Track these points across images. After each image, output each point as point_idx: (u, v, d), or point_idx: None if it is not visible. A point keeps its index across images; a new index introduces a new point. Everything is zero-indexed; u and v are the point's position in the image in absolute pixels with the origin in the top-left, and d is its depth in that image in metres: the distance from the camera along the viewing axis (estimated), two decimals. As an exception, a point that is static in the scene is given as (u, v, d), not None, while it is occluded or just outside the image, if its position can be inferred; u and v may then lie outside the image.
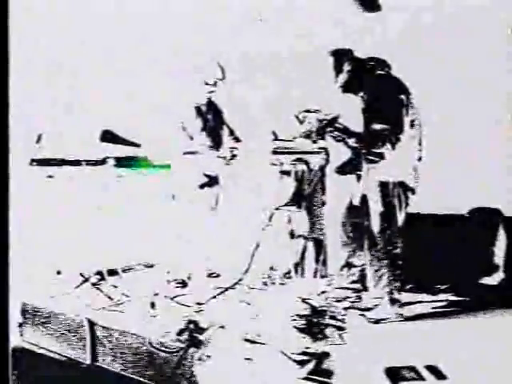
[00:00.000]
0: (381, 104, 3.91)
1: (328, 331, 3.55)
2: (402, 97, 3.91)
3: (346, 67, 4.04)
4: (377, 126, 3.87)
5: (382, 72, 4.02)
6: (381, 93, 3.95)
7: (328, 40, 4.14)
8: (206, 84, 4.66)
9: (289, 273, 4.29)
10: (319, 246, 4.35)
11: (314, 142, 4.27)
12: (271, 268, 4.33)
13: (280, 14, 4.26)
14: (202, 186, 4.65)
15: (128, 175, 4.35)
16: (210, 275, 4.55)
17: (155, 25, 4.33)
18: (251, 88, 4.74)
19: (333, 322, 3.68)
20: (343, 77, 4.05)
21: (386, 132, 3.85)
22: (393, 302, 3.93)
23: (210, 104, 4.76)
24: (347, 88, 4.07)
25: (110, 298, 4.13)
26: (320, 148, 4.26)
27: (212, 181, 4.64)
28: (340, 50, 4.10)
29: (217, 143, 4.61)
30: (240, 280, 4.22)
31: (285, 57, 4.37)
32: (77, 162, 4.15)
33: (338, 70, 4.06)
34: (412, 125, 3.93)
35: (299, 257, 4.37)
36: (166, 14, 4.27)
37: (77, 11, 4.25)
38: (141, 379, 3.44)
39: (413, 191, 3.95)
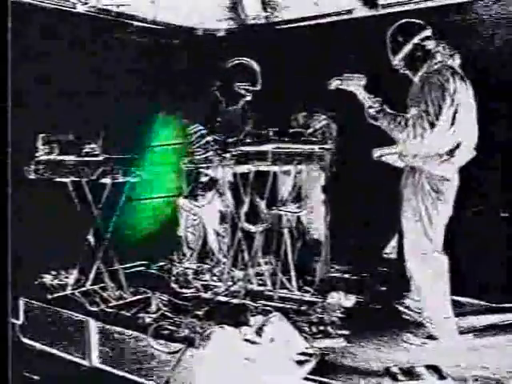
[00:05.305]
0: (426, 90, 3.48)
1: (328, 331, 3.56)
2: (450, 88, 3.44)
3: (414, 41, 3.61)
4: (413, 111, 3.57)
5: (444, 58, 3.57)
6: (432, 79, 3.49)
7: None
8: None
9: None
10: (319, 245, 4.37)
11: (315, 143, 4.27)
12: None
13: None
14: (202, 188, 4.67)
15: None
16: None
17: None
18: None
19: (332, 321, 3.69)
20: (405, 51, 3.62)
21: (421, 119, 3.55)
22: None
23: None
24: (407, 65, 3.67)
25: (110, 297, 4.14)
26: (321, 148, 4.26)
27: (213, 183, 4.66)
28: (411, 22, 3.66)
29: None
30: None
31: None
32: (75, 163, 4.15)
33: (402, 43, 3.63)
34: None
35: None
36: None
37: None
38: (140, 379, 3.45)
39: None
